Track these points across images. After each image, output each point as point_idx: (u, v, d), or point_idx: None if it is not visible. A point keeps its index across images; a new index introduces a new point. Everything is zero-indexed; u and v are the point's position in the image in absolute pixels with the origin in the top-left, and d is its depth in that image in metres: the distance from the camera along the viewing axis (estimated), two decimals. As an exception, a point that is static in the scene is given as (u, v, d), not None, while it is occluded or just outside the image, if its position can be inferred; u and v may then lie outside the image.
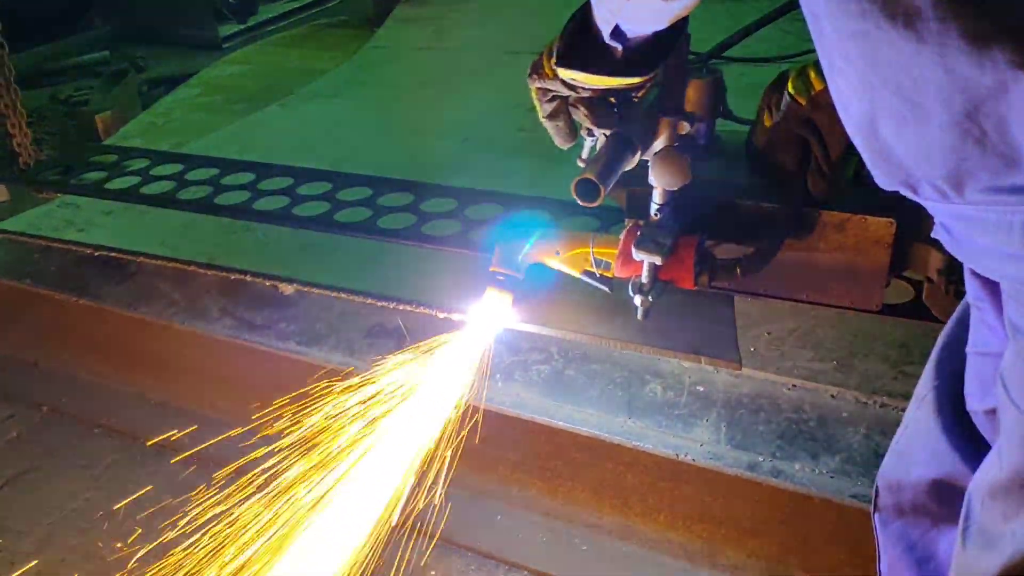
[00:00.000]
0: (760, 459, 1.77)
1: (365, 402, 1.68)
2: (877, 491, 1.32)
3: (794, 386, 1.91)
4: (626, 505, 2.00)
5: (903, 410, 1.79)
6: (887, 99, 0.81)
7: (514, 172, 2.58)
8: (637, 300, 1.43)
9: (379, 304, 2.13)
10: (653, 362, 2.02)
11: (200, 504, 1.74)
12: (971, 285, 1.00)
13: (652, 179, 1.34)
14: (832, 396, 1.88)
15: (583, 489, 2.04)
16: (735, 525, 1.89)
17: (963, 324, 1.06)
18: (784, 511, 1.80)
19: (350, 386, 1.70)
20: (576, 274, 1.55)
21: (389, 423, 1.65)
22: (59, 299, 2.60)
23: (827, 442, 1.78)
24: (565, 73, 1.19)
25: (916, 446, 1.25)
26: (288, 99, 3.51)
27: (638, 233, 1.38)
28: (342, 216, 2.25)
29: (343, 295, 2.17)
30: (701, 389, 1.95)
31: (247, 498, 1.70)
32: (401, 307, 2.05)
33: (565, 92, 1.24)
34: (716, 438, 1.83)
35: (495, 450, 2.01)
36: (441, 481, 1.69)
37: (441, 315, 1.95)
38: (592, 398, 1.97)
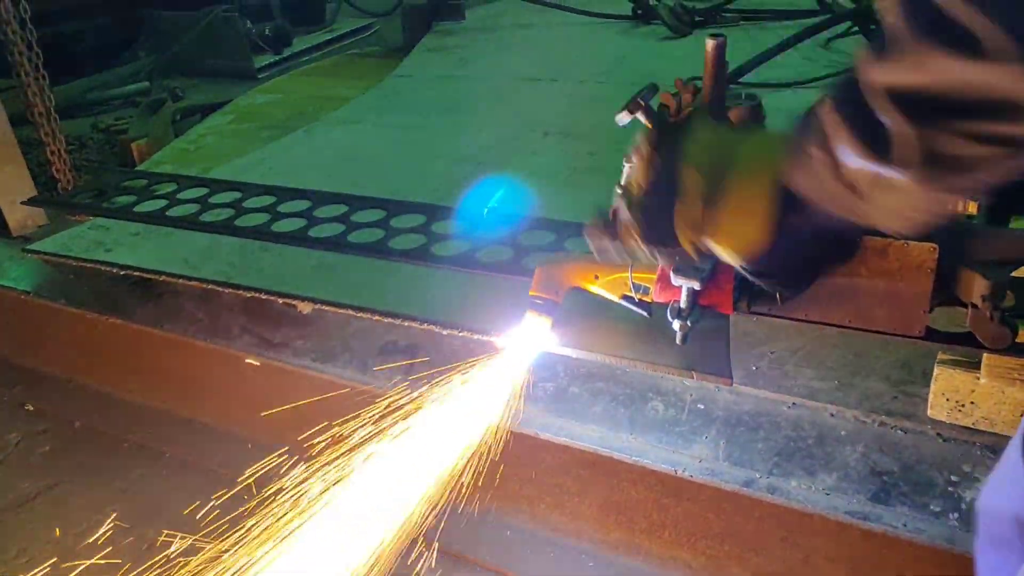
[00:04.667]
0: (757, 476, 1.78)
1: (389, 420, 1.74)
2: (976, 517, 1.30)
3: (794, 404, 1.93)
4: (631, 521, 2.01)
5: (901, 429, 1.83)
6: None
7: (525, 194, 2.63)
8: (676, 325, 1.45)
9: (388, 322, 2.19)
10: (656, 380, 2.05)
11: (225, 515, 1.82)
12: None
13: None
14: (831, 414, 1.89)
15: (589, 505, 2.06)
16: (738, 542, 1.90)
17: None
18: (785, 529, 1.80)
19: (374, 404, 1.77)
20: (615, 299, 1.58)
21: (413, 440, 1.70)
22: (91, 318, 2.68)
23: (824, 460, 1.79)
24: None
25: (1007, 480, 1.23)
26: (313, 125, 3.62)
27: (677, 258, 1.42)
28: (355, 237, 2.33)
29: (356, 313, 2.23)
30: (702, 407, 1.97)
31: (271, 511, 1.77)
32: (408, 324, 2.11)
33: None
34: (715, 455, 1.84)
35: (503, 466, 2.04)
36: (454, 497, 1.73)
37: (445, 332, 2.01)
38: (595, 415, 1.99)
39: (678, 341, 1.47)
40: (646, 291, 1.51)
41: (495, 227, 2.30)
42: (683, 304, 1.43)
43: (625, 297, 1.56)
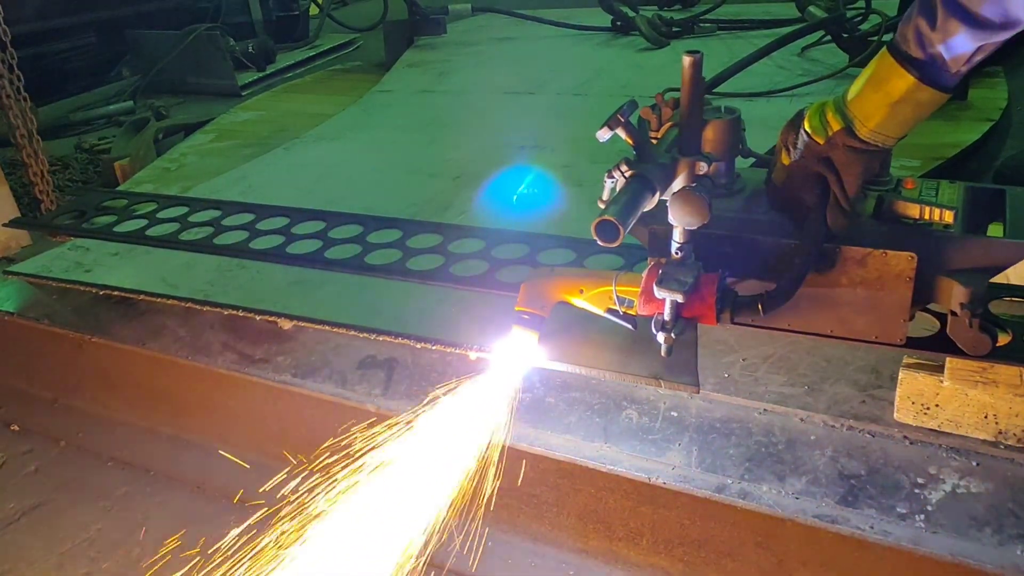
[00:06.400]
0: (728, 481, 1.80)
1: (371, 435, 1.76)
2: None
3: (765, 410, 1.95)
4: (609, 530, 2.03)
5: (869, 432, 1.85)
6: None
7: (499, 209, 2.67)
8: (660, 337, 1.47)
9: (365, 336, 2.21)
10: (630, 389, 2.07)
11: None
12: None
13: (671, 219, 1.39)
14: (801, 420, 1.91)
15: (568, 514, 2.08)
16: (713, 548, 1.92)
17: None
18: (758, 533, 1.82)
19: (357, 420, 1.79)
20: (601, 312, 1.60)
21: (399, 457, 1.73)
22: (74, 338, 2.69)
23: (794, 464, 1.81)
24: None
25: None
26: (292, 143, 3.64)
27: (660, 271, 1.43)
28: (332, 253, 2.35)
29: (334, 329, 2.25)
30: (675, 414, 1.99)
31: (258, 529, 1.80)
32: (384, 338, 2.13)
33: None
34: (687, 461, 1.86)
35: (485, 479, 2.06)
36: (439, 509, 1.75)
37: (419, 345, 2.03)
38: (571, 424, 2.01)
39: (663, 354, 1.49)
40: (631, 304, 1.54)
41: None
42: (667, 316, 1.45)
43: (610, 310, 1.58)
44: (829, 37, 3.81)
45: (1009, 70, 3.39)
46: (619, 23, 4.82)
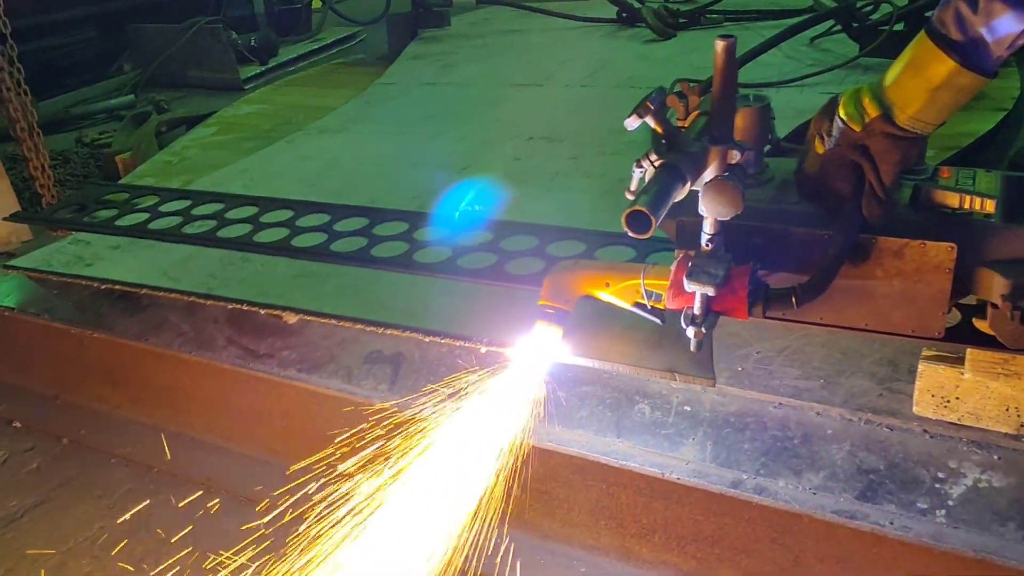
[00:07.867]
0: (744, 476, 1.77)
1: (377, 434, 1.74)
2: None
3: (780, 404, 1.91)
4: (622, 526, 2.00)
5: (887, 426, 1.82)
6: None
7: (507, 200, 2.64)
8: (690, 332, 1.43)
9: (371, 330, 2.18)
10: (642, 383, 2.04)
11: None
12: None
13: (703, 209, 1.35)
14: (817, 414, 1.88)
15: (579, 510, 2.05)
16: (728, 544, 1.89)
17: None
18: (774, 529, 1.79)
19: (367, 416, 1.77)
20: (627, 306, 1.56)
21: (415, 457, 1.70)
22: (75, 333, 2.67)
23: (811, 459, 1.78)
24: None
25: None
26: (294, 135, 3.61)
27: (689, 264, 1.39)
28: (338, 246, 2.33)
29: (339, 323, 2.22)
30: (688, 409, 1.96)
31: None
32: (391, 332, 2.10)
33: None
34: (702, 456, 1.83)
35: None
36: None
37: (428, 339, 2.00)
38: (582, 419, 1.98)
39: (692, 348, 1.46)
40: (659, 298, 1.50)
41: (468, 228, 2.36)
42: (697, 310, 1.41)
43: (637, 304, 1.54)
44: (839, 27, 3.76)
45: (1022, 59, 3.35)
46: (625, 15, 4.79)
